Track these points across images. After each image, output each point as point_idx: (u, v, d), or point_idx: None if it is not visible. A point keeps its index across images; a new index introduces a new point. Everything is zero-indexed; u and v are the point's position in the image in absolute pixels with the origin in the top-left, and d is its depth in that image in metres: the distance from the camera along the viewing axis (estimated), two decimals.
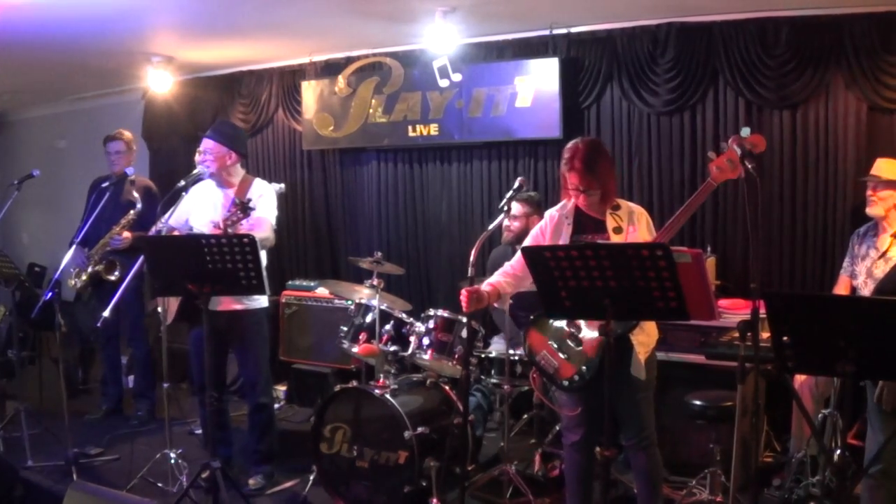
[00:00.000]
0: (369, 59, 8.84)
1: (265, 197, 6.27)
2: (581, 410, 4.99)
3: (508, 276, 5.04)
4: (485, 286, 5.00)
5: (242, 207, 5.66)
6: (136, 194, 7.53)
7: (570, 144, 4.93)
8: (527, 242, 5.16)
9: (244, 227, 5.76)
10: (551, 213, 5.13)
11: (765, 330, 4.56)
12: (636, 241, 4.69)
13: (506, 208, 5.05)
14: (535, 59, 7.93)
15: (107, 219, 7.54)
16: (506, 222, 6.69)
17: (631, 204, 4.98)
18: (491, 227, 5.15)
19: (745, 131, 4.63)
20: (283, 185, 6.72)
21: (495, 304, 5.16)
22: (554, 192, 7.82)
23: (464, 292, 4.78)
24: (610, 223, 4.84)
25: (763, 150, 4.59)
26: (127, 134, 8.14)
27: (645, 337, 4.83)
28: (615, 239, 4.77)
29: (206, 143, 6.28)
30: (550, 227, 5.06)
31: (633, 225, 4.83)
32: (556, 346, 4.95)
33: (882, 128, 6.72)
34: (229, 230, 5.66)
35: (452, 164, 8.73)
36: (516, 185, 5.06)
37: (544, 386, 6.10)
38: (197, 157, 6.36)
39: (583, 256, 3.91)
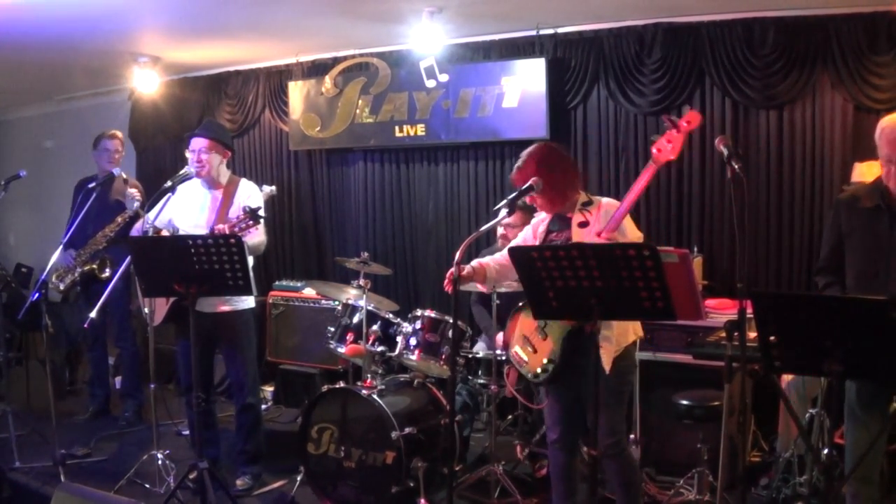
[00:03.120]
0: (356, 60, 8.84)
1: (253, 198, 6.25)
2: (558, 408, 5.02)
3: (497, 262, 5.08)
4: (473, 263, 5.06)
5: (253, 215, 5.63)
6: (135, 192, 7.43)
7: (522, 152, 5.04)
8: (518, 238, 5.25)
9: (251, 235, 5.78)
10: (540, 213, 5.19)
11: (752, 329, 4.58)
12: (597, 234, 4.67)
13: (506, 210, 5.04)
14: (522, 60, 7.94)
15: (93, 219, 7.52)
16: (501, 230, 6.70)
17: (605, 199, 4.95)
18: (485, 227, 5.18)
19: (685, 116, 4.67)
20: (274, 188, 6.69)
21: (478, 286, 5.19)
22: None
23: (448, 273, 4.80)
24: (576, 219, 4.87)
25: (696, 126, 4.63)
26: (119, 133, 8.14)
27: (608, 332, 4.69)
28: (579, 233, 4.81)
29: (200, 143, 6.20)
30: (534, 225, 5.19)
31: (598, 218, 4.80)
32: (526, 339, 4.98)
33: (868, 128, 6.70)
34: (235, 232, 5.65)
35: (439, 164, 8.73)
36: (526, 185, 4.96)
37: (522, 381, 6.12)
38: (189, 157, 6.27)
39: (569, 256, 3.91)
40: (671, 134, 4.53)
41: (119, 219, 7.55)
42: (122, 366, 8.39)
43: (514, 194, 4.99)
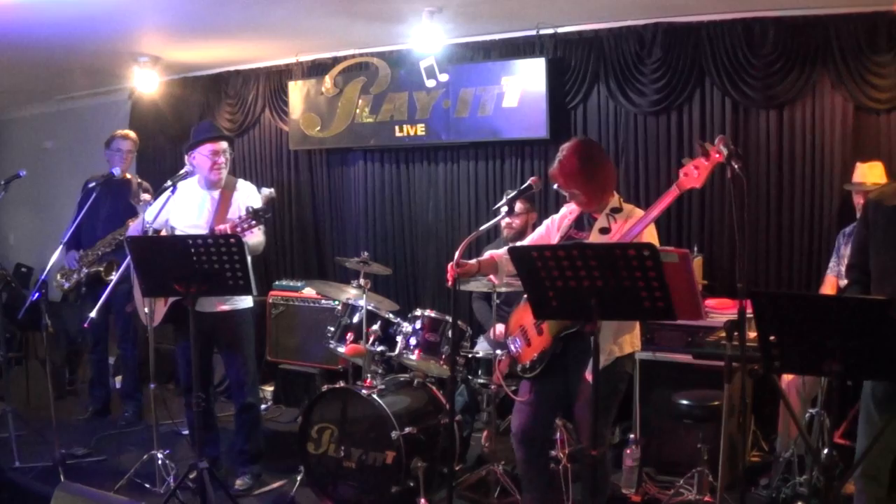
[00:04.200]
0: (356, 59, 8.84)
1: (252, 198, 6.27)
2: (533, 405, 5.00)
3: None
4: (484, 256, 5.09)
5: (255, 215, 5.64)
6: (147, 197, 7.44)
7: (563, 145, 4.96)
8: (536, 233, 5.23)
9: (251, 235, 5.81)
10: (564, 207, 5.16)
11: (751, 329, 4.59)
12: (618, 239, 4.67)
13: (506, 208, 5.03)
14: (522, 59, 7.94)
15: (104, 220, 7.52)
16: (506, 220, 6.72)
17: (637, 210, 4.92)
18: (484, 227, 5.17)
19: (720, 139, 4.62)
20: (272, 190, 6.67)
21: (491, 277, 5.18)
22: (541, 192, 7.84)
23: (449, 267, 4.80)
24: (599, 223, 4.84)
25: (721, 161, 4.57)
26: (132, 133, 8.16)
27: (605, 344, 4.67)
28: (597, 238, 4.78)
29: (223, 145, 6.27)
30: (558, 220, 5.13)
31: (622, 228, 4.76)
32: (523, 330, 5.00)
33: (868, 128, 6.75)
34: (237, 231, 5.66)
35: (439, 164, 8.73)
36: (525, 185, 5.01)
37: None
38: (206, 161, 6.25)
39: (569, 256, 3.91)
40: (700, 161, 4.48)
41: (130, 222, 7.52)
42: (123, 367, 8.38)
43: (513, 193, 4.99)
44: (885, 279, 4.42)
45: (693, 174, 4.51)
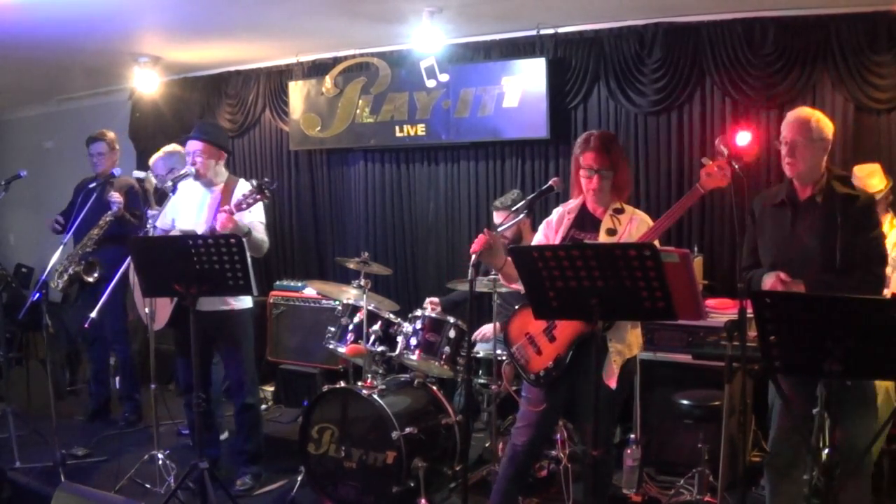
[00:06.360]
0: (356, 60, 8.84)
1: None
2: (541, 414, 4.93)
3: None
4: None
5: (259, 188, 5.65)
6: (116, 195, 7.45)
7: (584, 134, 4.90)
8: (535, 239, 5.15)
9: (256, 231, 5.87)
10: (560, 208, 5.08)
11: (752, 329, 4.59)
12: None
13: (525, 212, 4.98)
14: (522, 60, 7.94)
15: (87, 220, 7.50)
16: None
17: (638, 211, 4.89)
18: (503, 228, 5.11)
19: (745, 136, 4.59)
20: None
21: (495, 266, 5.07)
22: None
23: (481, 236, 4.68)
24: (605, 224, 4.78)
25: (750, 162, 4.55)
26: (110, 134, 8.01)
27: (622, 346, 4.70)
28: (605, 240, 4.72)
29: (195, 145, 6.22)
30: (555, 222, 5.02)
31: (629, 230, 4.74)
32: (531, 339, 4.92)
33: (869, 128, 6.74)
34: (242, 208, 5.73)
35: (439, 164, 8.74)
36: (546, 186, 4.94)
37: (516, 378, 6.10)
38: (187, 160, 6.29)
39: (570, 256, 3.91)
40: (723, 161, 4.45)
41: (101, 222, 7.52)
42: (120, 369, 8.37)
43: (532, 196, 4.95)
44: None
45: (717, 173, 4.45)
